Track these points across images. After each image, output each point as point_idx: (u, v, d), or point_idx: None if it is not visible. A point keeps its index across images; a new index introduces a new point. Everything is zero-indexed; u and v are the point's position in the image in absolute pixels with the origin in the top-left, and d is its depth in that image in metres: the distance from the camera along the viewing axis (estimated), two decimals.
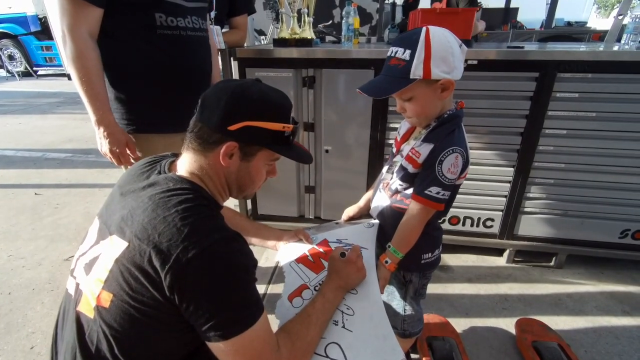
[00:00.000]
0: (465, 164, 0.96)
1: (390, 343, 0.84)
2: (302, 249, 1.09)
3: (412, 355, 1.44)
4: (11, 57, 8.75)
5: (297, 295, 0.95)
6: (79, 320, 0.71)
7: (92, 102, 1.16)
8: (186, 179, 0.76)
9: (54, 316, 1.04)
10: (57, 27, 1.15)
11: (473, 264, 2.05)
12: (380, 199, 1.11)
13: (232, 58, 1.85)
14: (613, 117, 1.67)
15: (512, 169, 1.84)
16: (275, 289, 1.85)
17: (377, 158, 1.93)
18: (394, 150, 1.11)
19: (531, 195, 1.88)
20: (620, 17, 2.22)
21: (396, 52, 0.88)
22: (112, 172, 3.29)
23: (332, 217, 2.11)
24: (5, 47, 8.62)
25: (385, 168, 1.13)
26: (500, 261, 2.07)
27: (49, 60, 8.53)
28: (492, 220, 1.97)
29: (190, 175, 0.77)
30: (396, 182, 1.04)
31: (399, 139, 1.10)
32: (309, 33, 1.91)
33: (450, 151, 0.91)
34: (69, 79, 8.15)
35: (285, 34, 1.90)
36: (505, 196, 1.90)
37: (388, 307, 1.19)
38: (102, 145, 1.24)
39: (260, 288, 1.83)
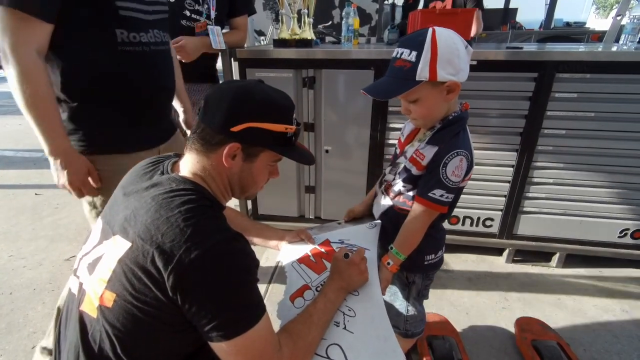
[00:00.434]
0: (470, 166, 0.95)
1: (390, 344, 0.85)
2: (304, 249, 1.09)
3: (412, 355, 1.44)
4: None
5: (299, 295, 0.95)
6: (82, 320, 0.72)
7: (44, 129, 1.01)
8: (189, 179, 0.76)
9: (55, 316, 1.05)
10: None
11: (473, 263, 2.06)
12: (383, 200, 1.11)
13: (232, 59, 1.86)
14: (611, 117, 1.67)
15: (511, 168, 1.84)
16: (276, 288, 1.85)
17: (377, 158, 1.94)
18: (398, 151, 1.10)
19: (530, 194, 1.89)
20: (618, 18, 2.23)
21: (402, 54, 0.88)
22: None
23: (332, 217, 2.12)
24: None
25: (387, 169, 1.12)
26: (500, 261, 2.07)
27: None
28: (492, 219, 1.97)
29: (193, 176, 0.78)
30: (399, 184, 1.04)
31: (402, 140, 1.09)
32: (309, 34, 1.92)
33: (455, 154, 0.91)
34: None
35: (286, 34, 1.91)
36: (505, 196, 1.90)
37: (391, 308, 1.20)
38: (60, 177, 1.09)
39: (261, 287, 1.82)
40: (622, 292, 1.83)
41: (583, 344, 1.53)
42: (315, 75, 1.83)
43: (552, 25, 6.13)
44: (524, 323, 1.58)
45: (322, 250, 1.08)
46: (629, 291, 1.84)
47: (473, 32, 2.38)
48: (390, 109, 1.82)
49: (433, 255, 1.10)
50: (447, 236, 1.98)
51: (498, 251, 2.09)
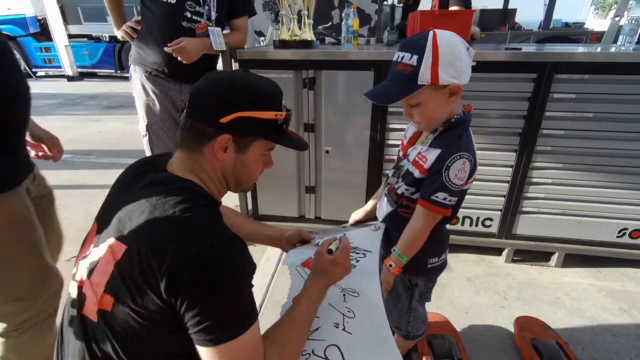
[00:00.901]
0: (473, 168, 0.94)
1: (389, 346, 0.85)
2: (309, 253, 1.09)
3: (412, 354, 1.45)
4: None
5: None
6: (84, 324, 0.71)
7: None
8: (183, 177, 0.75)
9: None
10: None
11: (472, 263, 2.07)
12: (387, 203, 1.10)
13: (233, 60, 1.86)
14: (610, 118, 1.69)
15: (510, 169, 1.85)
16: (277, 288, 1.86)
17: (376, 158, 1.94)
18: (401, 154, 1.10)
19: (529, 194, 1.90)
20: (617, 19, 2.24)
21: (403, 58, 0.87)
22: (112, 173, 3.29)
23: (332, 217, 2.13)
24: None
25: (391, 172, 1.12)
26: (499, 260, 2.08)
27: (48, 62, 8.49)
28: (491, 219, 1.98)
29: (186, 173, 0.76)
30: (402, 187, 1.03)
31: (405, 142, 1.09)
32: (309, 35, 1.93)
33: (458, 157, 0.90)
34: (69, 80, 8.17)
35: (286, 35, 1.92)
36: (504, 196, 1.91)
37: (393, 310, 1.20)
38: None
39: (262, 287, 1.84)
40: (621, 292, 1.84)
41: (582, 343, 1.54)
42: (316, 76, 1.84)
43: (551, 26, 6.14)
44: (523, 322, 1.59)
45: None
46: (627, 290, 1.85)
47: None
48: (390, 109, 1.82)
49: (436, 258, 1.09)
50: None
51: (497, 251, 2.10)
